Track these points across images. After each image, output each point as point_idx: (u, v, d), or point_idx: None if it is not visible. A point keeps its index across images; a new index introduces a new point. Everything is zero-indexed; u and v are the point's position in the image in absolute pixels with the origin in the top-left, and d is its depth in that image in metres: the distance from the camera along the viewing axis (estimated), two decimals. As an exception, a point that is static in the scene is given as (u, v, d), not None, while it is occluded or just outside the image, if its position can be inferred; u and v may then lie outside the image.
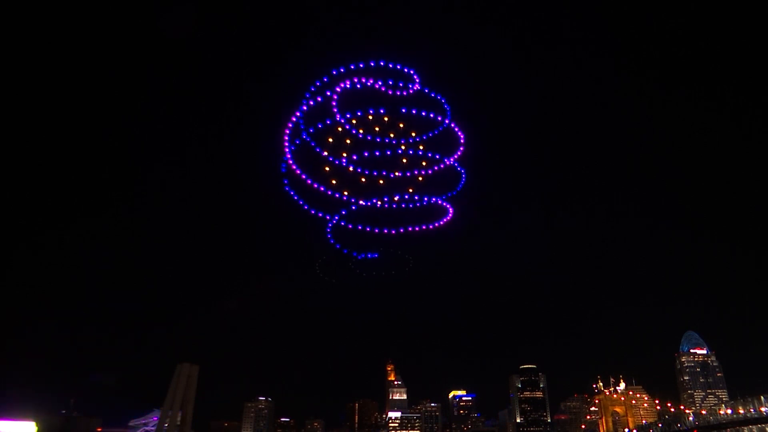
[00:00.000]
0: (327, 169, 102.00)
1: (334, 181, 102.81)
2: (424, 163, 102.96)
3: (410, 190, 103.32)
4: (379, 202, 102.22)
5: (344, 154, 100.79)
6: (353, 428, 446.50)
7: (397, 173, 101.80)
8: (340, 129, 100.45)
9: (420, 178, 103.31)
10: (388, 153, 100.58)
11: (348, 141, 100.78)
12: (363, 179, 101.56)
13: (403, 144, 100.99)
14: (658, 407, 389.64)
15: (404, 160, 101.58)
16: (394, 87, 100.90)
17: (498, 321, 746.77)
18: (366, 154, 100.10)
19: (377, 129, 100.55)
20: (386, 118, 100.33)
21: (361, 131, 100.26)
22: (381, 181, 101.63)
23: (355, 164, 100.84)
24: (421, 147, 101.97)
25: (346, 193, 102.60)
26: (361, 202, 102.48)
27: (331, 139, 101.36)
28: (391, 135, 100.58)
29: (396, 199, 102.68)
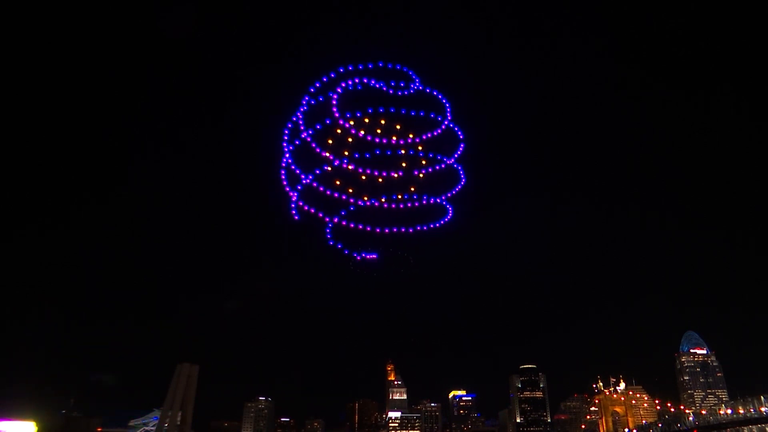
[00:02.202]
0: (327, 169, 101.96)
1: (333, 181, 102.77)
2: (423, 163, 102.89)
3: (410, 190, 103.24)
4: (379, 202, 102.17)
5: (344, 154, 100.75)
6: (353, 428, 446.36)
7: (397, 173, 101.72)
8: (339, 129, 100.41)
9: (420, 178, 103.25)
10: (388, 153, 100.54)
11: (348, 141, 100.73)
12: (363, 179, 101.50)
13: (403, 144, 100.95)
14: (658, 407, 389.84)
15: (404, 160, 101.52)
16: (394, 87, 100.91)
17: (498, 321, 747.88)
18: (366, 155, 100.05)
19: (377, 129, 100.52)
20: (386, 118, 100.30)
21: (360, 131, 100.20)
22: (381, 181, 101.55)
23: (355, 164, 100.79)
24: (420, 147, 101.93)
25: (346, 192, 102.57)
26: (361, 202, 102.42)
27: (330, 139, 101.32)
28: (391, 135, 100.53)
29: (396, 199, 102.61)
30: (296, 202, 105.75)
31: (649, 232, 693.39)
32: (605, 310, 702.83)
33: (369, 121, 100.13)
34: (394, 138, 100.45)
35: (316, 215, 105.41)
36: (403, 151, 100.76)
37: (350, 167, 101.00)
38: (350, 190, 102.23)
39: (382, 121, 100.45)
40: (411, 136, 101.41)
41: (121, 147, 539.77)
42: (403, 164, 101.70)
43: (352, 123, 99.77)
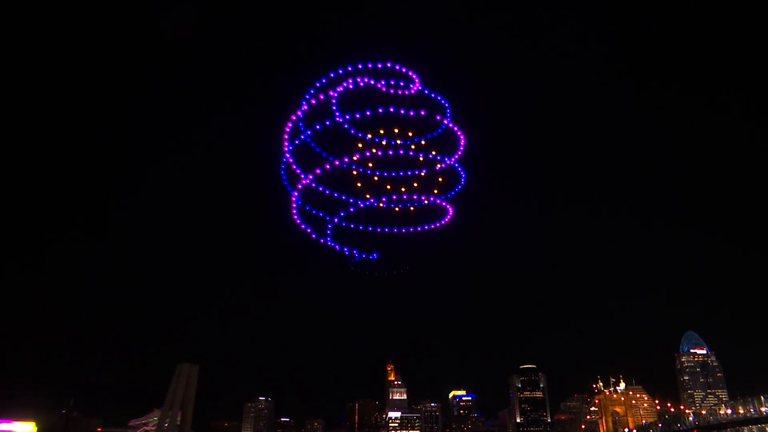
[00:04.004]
0: (327, 168, 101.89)
1: (333, 181, 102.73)
2: (424, 163, 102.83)
3: (411, 191, 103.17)
4: (379, 202, 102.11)
5: (344, 155, 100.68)
6: (353, 428, 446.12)
7: (397, 173, 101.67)
8: (339, 129, 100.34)
9: (420, 179, 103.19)
10: (389, 153, 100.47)
11: (347, 141, 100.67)
12: (363, 179, 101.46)
13: (403, 144, 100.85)
14: (658, 407, 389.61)
15: (404, 161, 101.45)
16: (395, 87, 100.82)
17: (498, 321, 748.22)
18: (366, 154, 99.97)
19: (377, 129, 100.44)
20: (386, 119, 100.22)
21: (361, 131, 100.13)
22: (381, 181, 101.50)
23: (355, 164, 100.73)
24: (423, 144, 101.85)
25: (346, 192, 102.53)
26: (361, 202, 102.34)
27: (330, 140, 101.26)
28: (391, 135, 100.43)
29: (396, 199, 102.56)
30: (296, 202, 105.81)
31: (649, 232, 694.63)
32: (605, 310, 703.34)
33: (369, 121, 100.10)
34: (395, 138, 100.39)
35: (316, 215, 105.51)
36: (403, 151, 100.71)
37: (351, 167, 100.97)
38: (352, 189, 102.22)
39: (382, 121, 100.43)
40: (411, 136, 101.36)
41: (122, 148, 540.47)
42: (404, 164, 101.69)
43: (352, 123, 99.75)
